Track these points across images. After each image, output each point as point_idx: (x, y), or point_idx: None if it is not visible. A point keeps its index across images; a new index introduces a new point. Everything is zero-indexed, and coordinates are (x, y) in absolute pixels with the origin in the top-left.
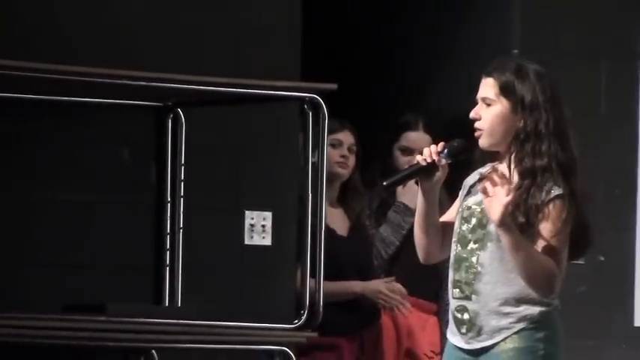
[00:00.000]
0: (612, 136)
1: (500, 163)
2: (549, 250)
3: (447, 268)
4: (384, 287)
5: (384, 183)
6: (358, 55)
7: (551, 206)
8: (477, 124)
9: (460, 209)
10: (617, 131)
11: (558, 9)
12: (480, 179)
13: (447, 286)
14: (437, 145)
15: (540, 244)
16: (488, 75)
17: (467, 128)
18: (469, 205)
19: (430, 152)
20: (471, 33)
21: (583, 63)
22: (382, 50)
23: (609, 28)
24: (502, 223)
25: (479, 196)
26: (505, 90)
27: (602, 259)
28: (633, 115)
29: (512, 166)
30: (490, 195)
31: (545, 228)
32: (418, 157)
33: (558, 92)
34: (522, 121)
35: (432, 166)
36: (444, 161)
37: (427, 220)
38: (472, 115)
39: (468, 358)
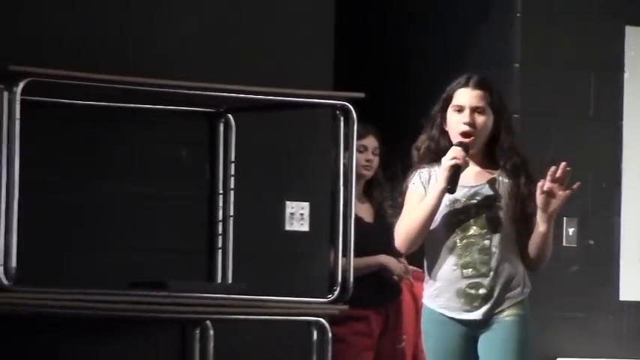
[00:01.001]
0: (600, 136)
1: (470, 159)
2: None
3: None
4: (396, 264)
5: (449, 188)
6: (382, 65)
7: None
8: (468, 130)
9: (449, 202)
10: (604, 132)
11: (553, 27)
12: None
13: None
14: (460, 148)
15: (545, 235)
16: (479, 88)
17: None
18: (458, 198)
19: (462, 155)
20: (478, 47)
21: (575, 74)
22: (402, 62)
23: (597, 44)
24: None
25: (470, 190)
26: (493, 103)
27: (591, 242)
28: (618, 118)
29: (502, 165)
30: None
31: (550, 220)
32: (455, 161)
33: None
34: (503, 123)
35: (461, 168)
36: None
37: (432, 215)
38: (469, 121)
39: (468, 329)
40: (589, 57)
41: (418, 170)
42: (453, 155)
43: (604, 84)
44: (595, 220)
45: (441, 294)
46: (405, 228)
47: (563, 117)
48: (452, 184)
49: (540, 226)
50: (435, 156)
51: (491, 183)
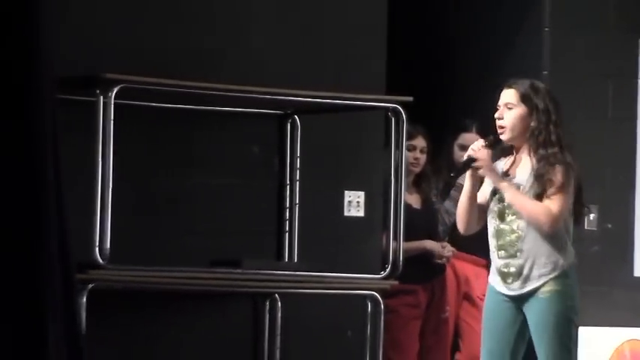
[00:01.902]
0: (617, 135)
1: (517, 153)
2: (552, 196)
3: None
4: (438, 247)
5: (452, 174)
6: (432, 73)
7: (558, 173)
8: (500, 123)
9: (491, 193)
10: (620, 131)
11: (577, 40)
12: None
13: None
14: (484, 141)
15: (546, 199)
16: (510, 87)
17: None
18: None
19: (480, 146)
20: (512, 57)
21: (596, 80)
22: (449, 70)
23: (614, 55)
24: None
25: (510, 176)
26: (524, 98)
27: (609, 226)
28: (633, 119)
29: (532, 155)
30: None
31: (552, 188)
32: (470, 152)
33: (559, 103)
34: (536, 121)
35: (470, 162)
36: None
37: (471, 201)
38: (497, 115)
39: (510, 302)
40: (607, 66)
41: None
42: (470, 148)
43: (620, 89)
44: (612, 207)
45: (492, 272)
46: (457, 212)
47: (585, 118)
48: (457, 174)
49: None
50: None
51: (520, 168)
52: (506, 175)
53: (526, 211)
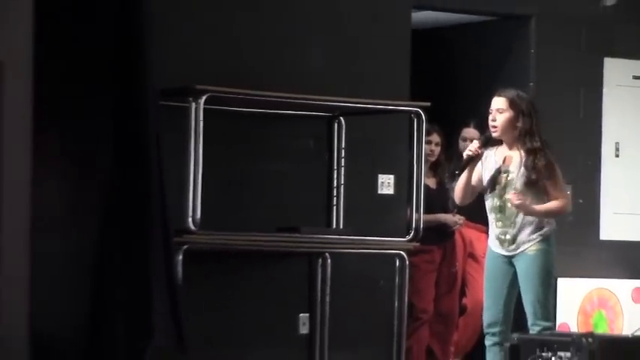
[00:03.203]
0: (586, 131)
1: (509, 150)
2: (559, 195)
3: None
4: (452, 218)
5: (456, 172)
6: (443, 84)
7: (551, 169)
8: (492, 123)
9: (490, 175)
10: (589, 128)
11: (556, 58)
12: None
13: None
14: (478, 142)
15: (553, 193)
16: (500, 95)
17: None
18: (494, 173)
19: (475, 147)
20: (505, 72)
21: (570, 89)
22: (455, 82)
23: (585, 70)
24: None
25: (500, 168)
26: (512, 104)
27: (580, 201)
28: (599, 119)
29: (521, 149)
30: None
31: (553, 184)
32: (467, 152)
33: (537, 109)
34: (522, 122)
35: (476, 155)
36: (480, 151)
37: (467, 183)
38: (491, 118)
39: (506, 260)
40: (579, 78)
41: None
42: (469, 148)
43: (589, 96)
44: (583, 186)
45: (491, 237)
46: (455, 189)
47: (562, 118)
48: (462, 169)
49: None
50: (489, 144)
51: (512, 161)
52: (499, 170)
53: (552, 213)
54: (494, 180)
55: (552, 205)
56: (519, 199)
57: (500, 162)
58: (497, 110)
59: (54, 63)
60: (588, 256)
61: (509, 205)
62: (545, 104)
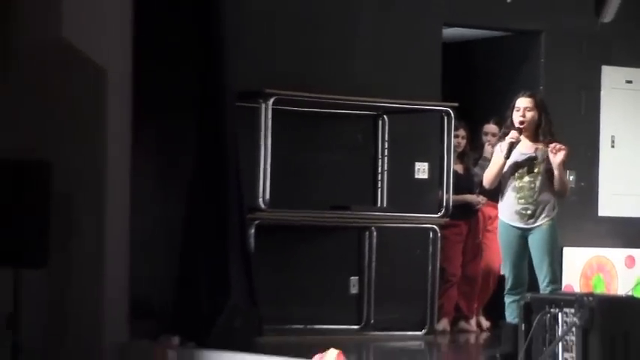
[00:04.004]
0: (587, 126)
1: (530, 142)
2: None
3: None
4: (476, 198)
5: (505, 157)
6: (468, 88)
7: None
8: (521, 119)
9: (513, 161)
10: (589, 124)
11: (562, 66)
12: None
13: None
14: (516, 132)
15: (558, 176)
16: (529, 96)
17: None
18: (518, 159)
19: (516, 135)
20: (520, 76)
21: (574, 91)
22: (479, 86)
23: (586, 75)
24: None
25: (524, 155)
26: (537, 104)
27: (582, 184)
28: (597, 116)
29: (541, 140)
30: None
31: (560, 167)
32: (510, 139)
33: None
34: (542, 119)
35: (517, 141)
36: (519, 139)
37: (501, 167)
38: (520, 115)
39: (520, 232)
40: (581, 82)
41: (499, 143)
42: (511, 136)
43: (589, 97)
44: (584, 172)
45: (506, 212)
46: (486, 174)
47: (567, 115)
48: (508, 154)
49: (555, 173)
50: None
51: (536, 151)
52: (529, 158)
53: (565, 185)
54: (518, 165)
55: (566, 178)
56: (561, 148)
57: (528, 152)
58: (525, 109)
59: (149, 69)
60: (589, 230)
61: (533, 185)
62: (552, 104)
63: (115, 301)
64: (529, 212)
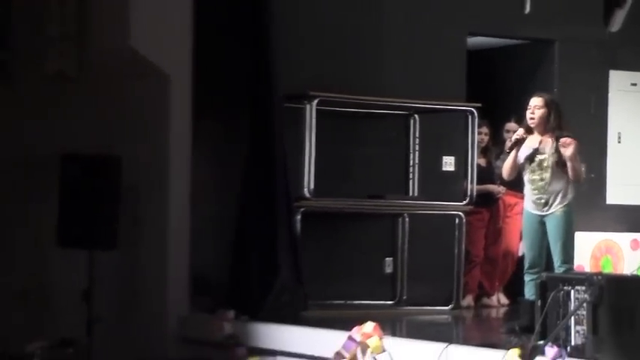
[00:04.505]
0: (596, 124)
1: (542, 137)
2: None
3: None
4: (497, 188)
5: (507, 151)
6: (492, 89)
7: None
8: (531, 116)
9: (524, 155)
10: (598, 122)
11: (574, 70)
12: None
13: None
14: (522, 129)
15: (571, 166)
16: (538, 96)
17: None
18: (527, 154)
19: (520, 134)
20: (537, 80)
21: (584, 93)
22: (500, 87)
23: (595, 79)
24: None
25: (535, 150)
26: (546, 103)
27: (592, 176)
28: (605, 115)
29: (550, 137)
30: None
31: (576, 159)
32: (515, 137)
33: (560, 107)
34: (552, 116)
35: (521, 139)
36: (525, 136)
37: (514, 160)
38: (530, 111)
39: (539, 219)
40: (591, 84)
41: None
42: (516, 134)
43: (598, 98)
44: (594, 165)
45: (527, 201)
46: (503, 167)
47: (578, 115)
48: (511, 148)
49: (568, 165)
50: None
51: (540, 143)
52: (537, 150)
53: (577, 171)
54: (531, 158)
55: (579, 167)
56: (518, 137)
57: (535, 146)
58: (535, 107)
59: (206, 74)
60: (598, 216)
61: (542, 177)
62: (565, 104)
63: (177, 279)
64: (542, 201)
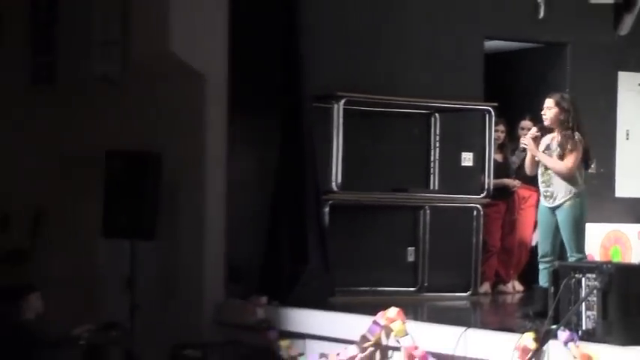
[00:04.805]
0: (605, 121)
1: (554, 133)
2: (567, 162)
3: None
4: (512, 182)
5: (521, 150)
6: (508, 89)
7: (570, 144)
8: (544, 117)
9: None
10: (607, 120)
11: (583, 73)
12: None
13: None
14: (536, 128)
15: (565, 162)
16: (550, 97)
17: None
18: (543, 149)
19: (533, 133)
20: (550, 82)
21: (594, 93)
22: (517, 88)
23: (604, 81)
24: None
25: (546, 145)
26: (557, 103)
27: (602, 170)
28: (614, 113)
29: (560, 135)
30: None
31: (570, 156)
32: (530, 135)
33: (577, 105)
34: (564, 116)
35: (535, 138)
36: (538, 134)
37: (532, 161)
38: (543, 111)
39: (550, 211)
40: (600, 86)
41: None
42: (530, 133)
43: (607, 98)
44: (603, 160)
45: (540, 194)
46: (525, 164)
47: (589, 114)
48: (528, 147)
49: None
50: (544, 131)
51: (552, 140)
52: (548, 146)
53: (552, 167)
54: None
55: (556, 162)
56: (532, 136)
57: (547, 142)
58: (547, 107)
59: (241, 75)
60: (607, 208)
61: (548, 171)
62: (577, 104)
63: (213, 267)
64: (548, 194)
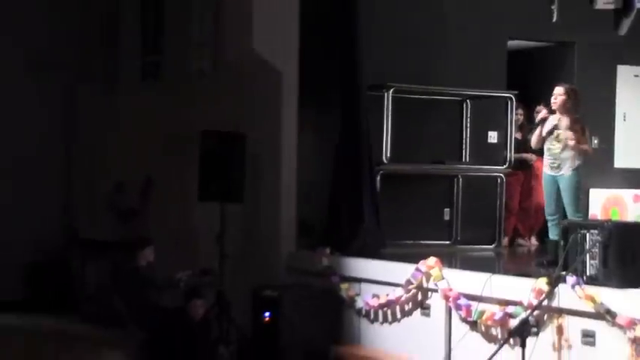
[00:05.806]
0: (606, 106)
1: (561, 116)
2: (586, 145)
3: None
4: (530, 156)
5: (537, 123)
6: (525, 80)
7: (582, 132)
8: (554, 101)
9: (548, 131)
10: (608, 105)
11: (587, 69)
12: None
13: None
14: (545, 110)
15: (583, 143)
16: (560, 86)
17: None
18: (552, 130)
19: (544, 113)
20: (559, 74)
21: (596, 86)
22: (532, 81)
23: (605, 75)
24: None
25: (555, 125)
26: (566, 92)
27: (603, 146)
28: (612, 101)
29: (567, 118)
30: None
31: (584, 139)
32: (540, 115)
33: (579, 94)
34: (571, 102)
35: (545, 118)
36: (547, 115)
37: (540, 133)
38: (553, 98)
39: (553, 179)
40: (603, 76)
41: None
42: (540, 115)
43: (607, 88)
44: (604, 137)
45: (545, 165)
46: (532, 139)
47: (593, 100)
48: (536, 126)
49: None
50: (551, 114)
51: (559, 121)
52: (556, 126)
53: (584, 151)
54: (551, 132)
55: (585, 146)
56: (573, 140)
57: (555, 123)
58: (557, 94)
59: (309, 69)
60: (608, 176)
61: (557, 146)
62: (583, 92)
63: (286, 224)
64: (555, 165)
